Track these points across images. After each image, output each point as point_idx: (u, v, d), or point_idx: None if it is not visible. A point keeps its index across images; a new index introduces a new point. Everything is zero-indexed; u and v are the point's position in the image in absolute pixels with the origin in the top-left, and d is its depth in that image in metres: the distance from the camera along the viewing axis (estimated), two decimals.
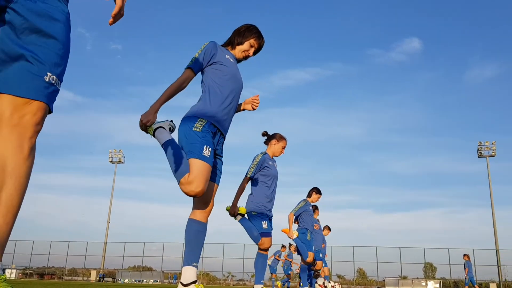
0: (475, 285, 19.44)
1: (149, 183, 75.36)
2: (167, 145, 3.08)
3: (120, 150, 43.47)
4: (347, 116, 69.37)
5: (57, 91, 1.57)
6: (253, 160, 5.49)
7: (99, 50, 69.22)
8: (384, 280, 35.29)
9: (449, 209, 65.19)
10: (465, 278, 19.32)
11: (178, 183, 2.94)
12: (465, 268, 19.14)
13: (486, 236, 62.38)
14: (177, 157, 2.99)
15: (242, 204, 5.46)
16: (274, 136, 5.76)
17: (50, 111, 1.58)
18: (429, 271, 41.80)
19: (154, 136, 3.16)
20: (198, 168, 2.91)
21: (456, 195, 66.13)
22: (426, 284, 32.71)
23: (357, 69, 67.87)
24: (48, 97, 1.52)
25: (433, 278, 37.22)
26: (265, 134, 5.81)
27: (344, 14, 68.61)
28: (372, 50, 68.17)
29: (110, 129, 70.93)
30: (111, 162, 43.45)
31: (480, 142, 37.09)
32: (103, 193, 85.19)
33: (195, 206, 3.17)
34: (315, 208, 9.67)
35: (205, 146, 2.99)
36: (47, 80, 1.51)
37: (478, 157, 37.20)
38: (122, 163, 43.55)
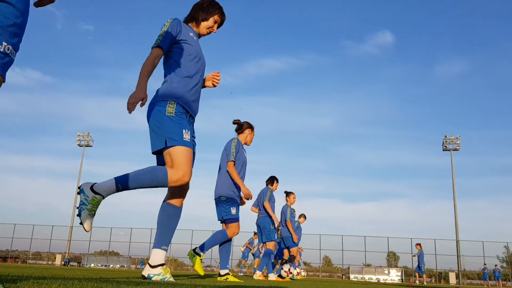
0: (424, 274, 20.27)
1: (117, 167, 74.33)
2: (122, 180, 2.78)
3: (88, 133, 42.77)
4: (319, 106, 70.05)
5: (11, 61, 1.48)
6: (230, 145, 5.58)
7: (70, 30, 67.52)
8: (349, 268, 36.11)
9: (413, 200, 67.11)
10: (421, 266, 20.04)
11: (167, 185, 2.82)
12: (418, 257, 19.88)
13: (447, 227, 64.32)
14: (143, 175, 2.80)
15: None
16: (247, 125, 5.90)
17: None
18: (392, 259, 43.09)
19: (102, 197, 2.75)
20: (183, 155, 2.86)
21: (421, 187, 68.06)
22: (389, 272, 33.65)
23: (330, 60, 68.49)
24: (2, 68, 1.43)
25: (396, 266, 38.33)
26: (238, 122, 5.92)
27: (319, 5, 68.88)
28: (346, 41, 68.86)
29: (79, 111, 69.45)
30: (79, 145, 42.68)
31: (446, 136, 38.16)
32: (70, 177, 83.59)
33: (171, 190, 3.12)
34: (288, 194, 9.84)
35: (183, 130, 2.92)
36: (1, 50, 1.42)
37: (443, 150, 38.30)
38: (90, 146, 42.86)
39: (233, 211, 5.38)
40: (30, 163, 67.84)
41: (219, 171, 5.61)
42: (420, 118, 67.31)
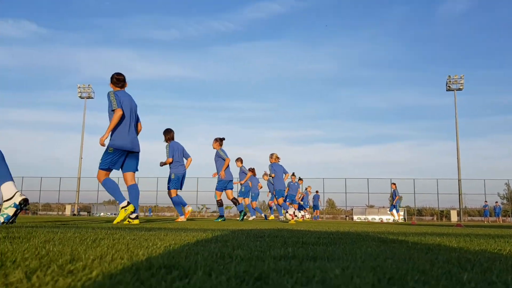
0: (399, 212, 20.69)
1: None
2: None
3: (89, 85, 42.43)
4: (320, 50, 68.92)
5: None
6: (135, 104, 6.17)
7: None
8: (352, 209, 36.95)
9: (415, 142, 67.54)
10: (393, 205, 20.30)
11: None
12: (395, 196, 20.09)
13: (449, 167, 64.99)
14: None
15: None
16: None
17: None
18: None
19: None
20: None
21: (423, 128, 68.29)
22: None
23: (331, 1, 66.59)
24: None
25: (399, 206, 39.12)
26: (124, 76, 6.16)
27: None
28: None
29: (78, 63, 68.78)
30: (80, 97, 42.51)
31: (449, 76, 37.76)
32: (74, 129, 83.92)
33: None
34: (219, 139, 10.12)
35: None
36: None
37: (447, 90, 38.04)
38: (92, 98, 42.69)
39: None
40: (32, 116, 67.98)
41: (130, 123, 5.78)
42: (424, 58, 66.41)
